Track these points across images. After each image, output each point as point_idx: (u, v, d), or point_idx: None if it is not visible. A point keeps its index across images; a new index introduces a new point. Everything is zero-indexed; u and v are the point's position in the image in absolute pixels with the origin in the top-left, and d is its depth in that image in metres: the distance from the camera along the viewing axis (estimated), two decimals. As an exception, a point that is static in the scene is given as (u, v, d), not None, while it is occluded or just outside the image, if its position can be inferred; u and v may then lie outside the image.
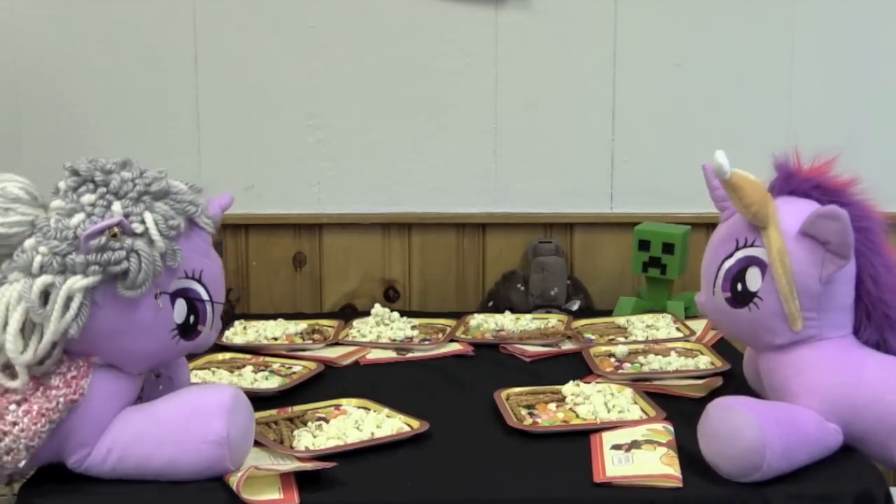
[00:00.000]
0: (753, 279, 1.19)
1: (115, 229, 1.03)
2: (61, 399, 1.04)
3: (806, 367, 1.18)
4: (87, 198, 1.06)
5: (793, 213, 1.17)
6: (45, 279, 1.02)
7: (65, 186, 1.08)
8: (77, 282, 1.02)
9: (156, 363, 1.14)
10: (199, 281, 1.12)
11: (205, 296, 1.13)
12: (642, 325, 1.71)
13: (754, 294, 1.19)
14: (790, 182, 1.20)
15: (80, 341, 1.05)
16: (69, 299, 1.02)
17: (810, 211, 1.15)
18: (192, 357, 1.39)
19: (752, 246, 1.19)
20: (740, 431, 1.06)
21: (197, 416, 1.06)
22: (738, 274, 1.20)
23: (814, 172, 1.20)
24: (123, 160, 1.10)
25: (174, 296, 1.09)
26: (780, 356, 1.20)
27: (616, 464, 1.11)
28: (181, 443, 1.05)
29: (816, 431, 1.12)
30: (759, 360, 1.26)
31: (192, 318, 1.12)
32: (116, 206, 1.06)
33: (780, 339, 1.19)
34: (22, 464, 1.03)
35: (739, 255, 1.21)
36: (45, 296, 1.02)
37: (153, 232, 1.05)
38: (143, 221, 1.06)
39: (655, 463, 1.10)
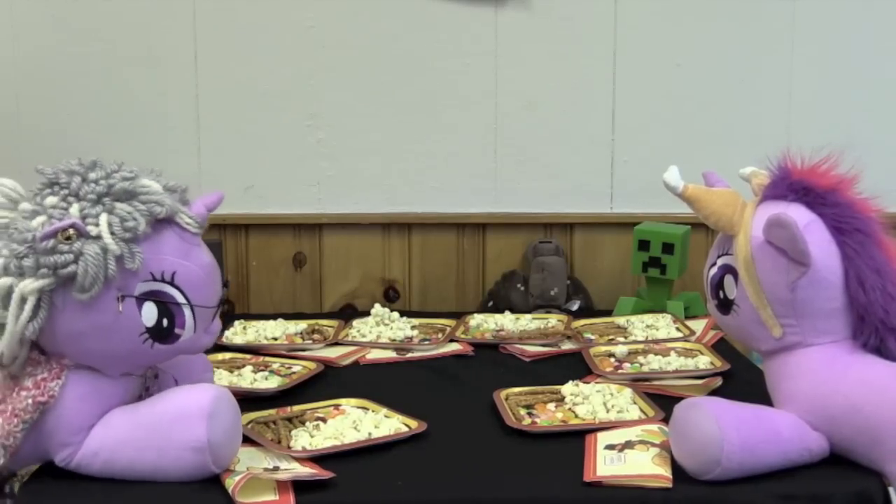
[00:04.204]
0: (730, 287, 1.18)
1: (69, 231, 1.02)
2: (30, 401, 1.05)
3: (788, 374, 1.15)
4: (50, 200, 1.06)
5: (765, 219, 1.12)
6: (5, 281, 1.03)
7: (36, 190, 1.09)
8: (29, 284, 1.02)
9: (135, 366, 1.12)
10: (172, 283, 1.07)
11: (180, 299, 1.08)
12: (642, 325, 1.71)
13: (732, 301, 1.18)
14: (776, 187, 1.16)
15: (50, 342, 1.05)
16: (23, 301, 1.02)
17: None
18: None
19: (726, 254, 1.18)
20: (698, 426, 1.06)
21: (177, 423, 1.05)
22: (719, 282, 1.19)
23: (804, 175, 1.15)
24: (93, 161, 1.09)
25: (142, 298, 1.06)
26: (769, 362, 1.19)
27: (608, 463, 1.11)
28: (163, 450, 1.05)
29: (790, 432, 1.10)
30: None
31: (164, 322, 1.07)
32: (74, 209, 1.05)
33: (766, 346, 1.18)
34: (0, 462, 1.04)
35: (720, 262, 1.20)
36: (10, 297, 1.03)
37: (105, 234, 1.03)
38: (98, 224, 1.04)
39: (647, 463, 1.10)
